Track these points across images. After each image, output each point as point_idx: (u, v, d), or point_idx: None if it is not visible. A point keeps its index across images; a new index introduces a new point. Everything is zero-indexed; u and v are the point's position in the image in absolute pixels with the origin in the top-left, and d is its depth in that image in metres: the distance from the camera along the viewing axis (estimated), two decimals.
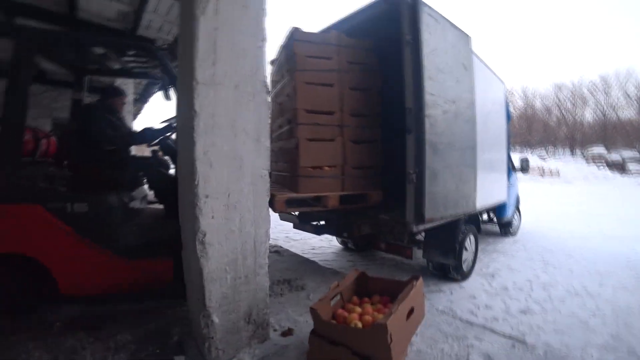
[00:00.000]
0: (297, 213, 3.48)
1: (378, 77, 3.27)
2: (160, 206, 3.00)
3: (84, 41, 2.93)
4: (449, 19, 2.99)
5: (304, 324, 2.28)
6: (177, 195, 2.16)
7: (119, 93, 3.01)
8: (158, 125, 2.83)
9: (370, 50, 3.23)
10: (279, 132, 3.44)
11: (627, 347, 2.34)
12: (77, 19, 6.42)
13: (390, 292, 1.97)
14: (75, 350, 1.96)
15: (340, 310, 1.82)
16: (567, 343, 2.34)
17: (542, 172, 18.40)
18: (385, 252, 3.64)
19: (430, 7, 2.70)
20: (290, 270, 3.48)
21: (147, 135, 2.84)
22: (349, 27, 3.16)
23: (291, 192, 2.88)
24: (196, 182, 1.62)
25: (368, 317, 1.74)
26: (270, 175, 1.97)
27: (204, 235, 1.65)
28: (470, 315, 2.79)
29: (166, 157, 2.97)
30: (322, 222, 3.78)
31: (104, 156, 2.73)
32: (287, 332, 2.14)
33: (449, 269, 3.46)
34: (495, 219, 5.77)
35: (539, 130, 30.79)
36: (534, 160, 16.47)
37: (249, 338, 1.92)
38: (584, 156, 23.32)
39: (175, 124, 2.61)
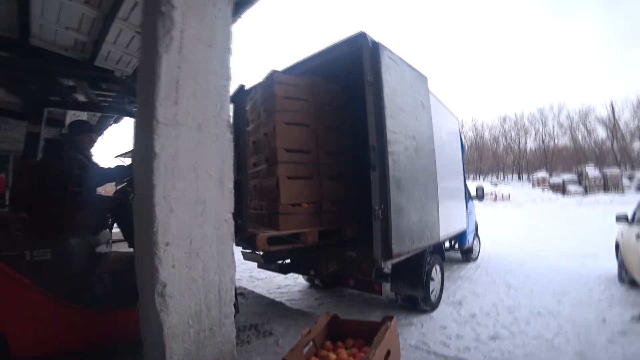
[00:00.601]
0: (261, 252, 3.37)
1: (348, 116, 3.51)
2: (129, 249, 2.76)
3: (50, 71, 2.71)
4: (407, 61, 3.18)
5: None
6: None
7: (88, 129, 2.80)
8: (116, 160, 2.65)
9: (340, 91, 3.47)
10: (254, 170, 3.44)
11: None
12: (29, 46, 6.11)
13: (364, 335, 1.90)
14: None
15: (313, 358, 1.72)
16: None
17: (494, 197, 19.58)
18: (354, 288, 3.59)
19: (390, 50, 2.86)
20: (256, 313, 3.30)
21: (116, 173, 2.65)
22: (314, 66, 3.25)
23: (271, 230, 2.87)
24: (155, 229, 1.49)
25: None
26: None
27: (164, 286, 1.51)
28: (443, 348, 2.79)
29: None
30: (287, 261, 3.68)
31: (68, 196, 2.44)
32: None
33: (418, 300, 3.47)
34: (456, 246, 5.96)
35: (489, 158, 33.32)
36: (486, 186, 17.55)
37: None
38: (530, 180, 25.30)
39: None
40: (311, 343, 1.76)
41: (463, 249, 6.05)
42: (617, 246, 4.92)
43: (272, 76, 3.06)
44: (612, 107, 29.68)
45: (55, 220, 2.23)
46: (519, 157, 33.45)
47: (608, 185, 21.13)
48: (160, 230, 1.51)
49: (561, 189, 21.68)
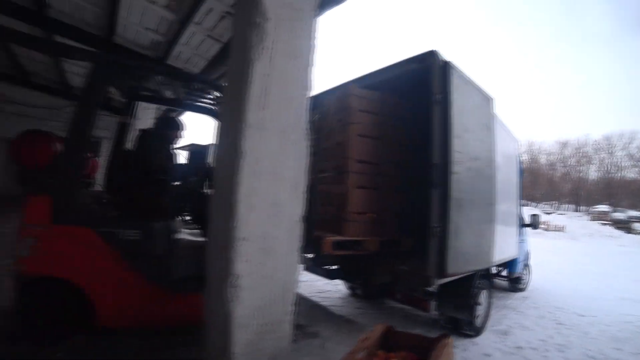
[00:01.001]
0: (312, 255, 3.47)
1: (412, 132, 3.58)
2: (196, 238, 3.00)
3: (159, 73, 3.01)
4: (474, 81, 3.14)
5: None
6: None
7: (177, 126, 3.04)
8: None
9: (406, 107, 3.55)
10: (321, 176, 3.59)
11: None
12: (113, 43, 6.84)
13: (417, 349, 1.91)
14: None
15: None
16: None
17: (546, 227, 18.28)
18: (401, 303, 3.56)
19: (459, 70, 2.85)
20: (301, 315, 3.37)
21: (196, 168, 2.93)
22: (382, 80, 3.32)
23: (336, 235, 3.00)
24: (234, 224, 1.63)
25: None
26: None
27: (237, 278, 1.64)
28: None
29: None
30: (334, 267, 3.74)
31: (155, 184, 2.71)
32: None
33: (462, 323, 3.38)
34: (504, 273, 5.68)
35: (544, 184, 31.02)
36: (539, 214, 16.47)
37: None
38: (588, 213, 23.28)
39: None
40: (365, 351, 1.79)
41: (511, 277, 5.75)
42: None
43: (349, 89, 3.18)
44: None
45: (143, 204, 2.48)
46: (577, 187, 30.87)
47: None
48: (239, 226, 1.64)
49: (625, 226, 19.68)
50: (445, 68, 2.73)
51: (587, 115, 50.45)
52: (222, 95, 2.77)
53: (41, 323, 2.20)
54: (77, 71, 9.32)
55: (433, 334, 1.94)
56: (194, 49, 7.27)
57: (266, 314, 1.78)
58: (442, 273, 2.66)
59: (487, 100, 3.37)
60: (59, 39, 6.69)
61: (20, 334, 2.21)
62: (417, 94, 3.17)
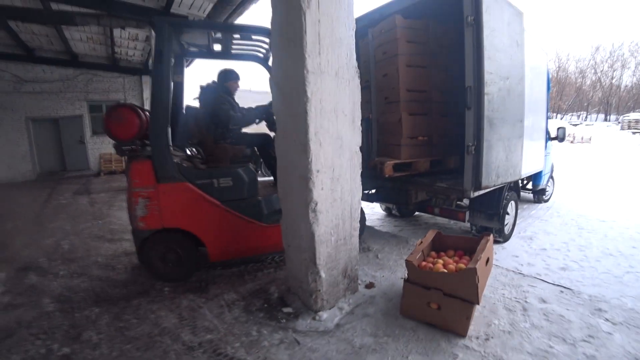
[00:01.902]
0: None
1: (452, 57, 3.68)
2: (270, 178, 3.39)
3: (218, 29, 3.11)
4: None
5: (381, 279, 2.67)
6: None
7: (236, 77, 3.23)
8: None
9: (449, 32, 3.65)
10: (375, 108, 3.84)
11: None
12: (111, 0, 6.70)
13: (463, 247, 2.30)
14: (193, 309, 2.32)
15: (424, 263, 2.16)
16: (604, 293, 2.64)
17: (572, 139, 17.95)
18: (440, 216, 3.93)
19: None
20: None
21: (258, 113, 3.17)
22: (407, 5, 3.30)
23: (394, 159, 3.37)
24: (310, 159, 1.92)
25: (451, 266, 2.09)
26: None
27: (316, 204, 1.98)
28: (518, 271, 3.11)
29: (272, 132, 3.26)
30: (373, 191, 4.12)
31: (229, 134, 3.01)
32: (370, 285, 2.53)
33: (492, 232, 3.73)
34: (529, 186, 5.95)
35: (571, 94, 29.22)
36: (565, 126, 16.05)
37: (345, 290, 2.29)
38: (619, 122, 22.26)
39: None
40: (421, 253, 2.19)
41: (536, 189, 6.02)
42: None
43: (395, 21, 3.27)
44: None
45: (222, 154, 2.81)
46: (608, 94, 28.70)
47: None
48: (313, 160, 1.93)
49: None
50: None
51: (624, 19, 45.40)
52: (270, 43, 2.90)
53: (166, 268, 2.67)
54: (79, 37, 9.22)
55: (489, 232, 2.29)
56: None
57: (339, 230, 2.16)
58: (478, 186, 2.96)
59: (517, 15, 3.32)
60: (54, 6, 6.59)
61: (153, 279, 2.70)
62: (454, 17, 3.18)
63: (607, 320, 2.14)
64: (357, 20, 2.43)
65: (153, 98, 2.51)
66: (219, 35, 3.00)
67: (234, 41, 3.08)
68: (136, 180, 2.49)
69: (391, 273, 2.80)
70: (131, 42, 9.94)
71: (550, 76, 6.86)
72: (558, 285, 2.63)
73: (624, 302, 2.51)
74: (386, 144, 3.59)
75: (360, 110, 2.18)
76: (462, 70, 2.90)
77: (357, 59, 2.17)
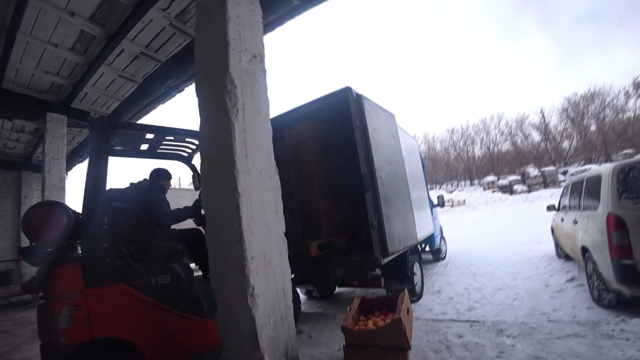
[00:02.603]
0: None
1: (346, 149, 4.50)
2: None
3: (155, 132, 3.15)
4: (380, 105, 4.10)
5: (320, 356, 2.80)
6: None
7: (169, 176, 3.34)
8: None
9: (341, 133, 4.53)
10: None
11: (539, 312, 3.49)
12: (0, 90, 6.33)
13: (385, 306, 2.66)
14: None
15: (356, 327, 2.42)
16: (503, 318, 3.35)
17: (452, 204, 21.33)
18: (359, 287, 4.31)
19: (369, 99, 3.75)
20: None
21: (191, 210, 3.24)
22: (308, 111, 4.06)
23: (316, 240, 3.73)
24: (244, 248, 2.13)
25: (381, 323, 2.39)
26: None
27: (253, 288, 2.14)
28: (435, 319, 3.60)
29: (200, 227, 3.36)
30: (292, 275, 4.37)
31: (162, 231, 2.98)
32: None
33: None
34: (427, 248, 6.95)
35: (442, 168, 35.91)
36: (443, 194, 19.20)
37: None
38: (481, 185, 27.69)
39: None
40: (352, 319, 2.46)
41: (433, 249, 7.05)
42: (552, 230, 6.18)
43: (304, 127, 4.04)
44: (543, 114, 34.10)
45: (157, 251, 2.76)
46: (469, 165, 36.57)
47: (547, 181, 23.64)
48: (247, 248, 2.15)
49: (509, 189, 24.02)
50: (359, 99, 3.60)
51: (466, 103, 60.76)
52: (198, 145, 3.20)
53: None
54: None
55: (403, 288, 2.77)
56: (102, 90, 7.15)
57: (276, 311, 2.31)
58: (385, 253, 3.49)
59: (391, 116, 4.38)
60: None
61: None
62: (341, 119, 4.01)
63: (508, 336, 2.76)
64: (273, 120, 2.97)
65: (87, 197, 2.46)
66: (149, 136, 3.15)
67: (163, 142, 3.29)
68: (61, 286, 2.22)
69: (327, 348, 2.94)
70: (14, 133, 9.11)
71: (423, 155, 8.54)
72: (467, 321, 3.18)
73: (517, 320, 3.21)
74: (308, 227, 4.00)
75: (282, 201, 2.54)
76: (353, 161, 3.64)
77: (277, 157, 2.61)
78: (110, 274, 2.39)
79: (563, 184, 22.28)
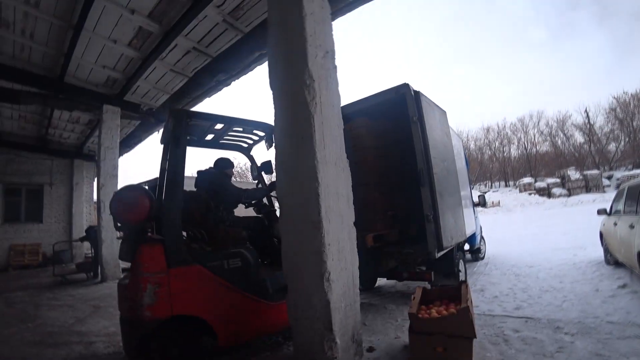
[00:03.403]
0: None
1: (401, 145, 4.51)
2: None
3: (226, 123, 3.28)
4: (434, 102, 4.12)
5: (378, 342, 2.90)
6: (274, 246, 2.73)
7: (232, 165, 3.51)
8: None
9: (397, 129, 4.43)
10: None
11: (592, 315, 3.39)
12: (63, 83, 6.78)
13: (446, 297, 2.73)
14: None
15: (420, 314, 2.50)
16: (556, 317, 3.31)
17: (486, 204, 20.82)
18: (408, 279, 4.36)
19: (425, 96, 3.78)
20: None
21: (264, 192, 3.42)
22: (366, 107, 4.13)
23: (371, 232, 3.79)
24: (322, 234, 2.25)
25: (444, 312, 2.45)
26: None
27: (329, 274, 2.26)
28: (487, 314, 3.61)
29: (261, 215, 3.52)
30: None
31: (227, 217, 3.13)
32: (371, 349, 2.73)
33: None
34: (467, 247, 6.86)
35: (476, 167, 34.82)
36: (476, 194, 18.73)
37: (354, 355, 2.46)
38: (517, 186, 26.68)
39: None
40: (416, 306, 2.54)
41: (473, 249, 6.96)
42: (601, 235, 5.94)
43: (362, 122, 4.14)
44: (587, 114, 32.19)
45: (224, 236, 2.92)
46: (504, 165, 35.28)
47: (589, 186, 22.32)
48: (325, 235, 2.27)
49: (547, 192, 22.95)
50: (417, 96, 3.64)
51: (503, 101, 58.67)
52: (271, 138, 3.37)
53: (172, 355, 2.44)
54: (10, 114, 8.81)
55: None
56: (152, 84, 7.50)
57: (347, 297, 2.42)
58: (439, 248, 3.53)
59: (443, 114, 4.40)
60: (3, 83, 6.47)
61: None
62: (397, 115, 4.06)
63: (566, 333, 2.78)
64: None
65: (168, 182, 2.62)
66: (218, 126, 3.29)
67: (229, 133, 3.46)
68: (146, 265, 2.39)
69: (384, 335, 3.03)
70: (69, 124, 9.71)
71: (467, 157, 8.43)
72: (522, 317, 3.17)
73: (572, 319, 3.19)
74: (363, 220, 4.06)
75: (352, 192, 2.65)
76: (408, 156, 3.64)
77: None
78: (187, 256, 2.55)
79: (608, 189, 21.19)
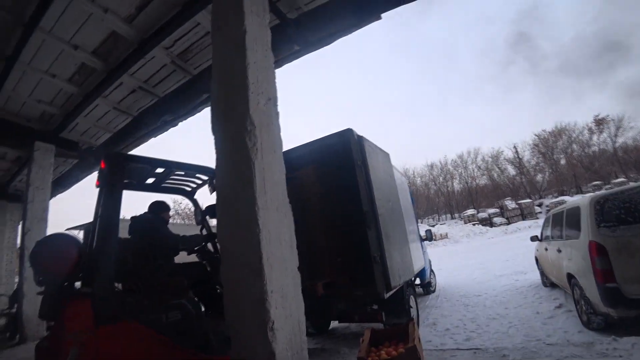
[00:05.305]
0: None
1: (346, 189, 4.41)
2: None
3: (168, 167, 3.15)
4: (377, 145, 4.35)
5: None
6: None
7: (168, 208, 3.35)
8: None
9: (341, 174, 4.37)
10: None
11: (535, 338, 3.64)
12: None
13: (395, 337, 2.72)
14: None
15: (370, 357, 2.45)
16: (501, 347, 3.39)
17: (435, 237, 21.71)
18: (359, 321, 4.31)
19: (368, 140, 3.99)
20: None
21: (201, 239, 3.24)
22: (309, 151, 4.22)
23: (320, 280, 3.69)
24: (265, 282, 2.19)
25: (393, 353, 2.43)
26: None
27: (273, 322, 2.18)
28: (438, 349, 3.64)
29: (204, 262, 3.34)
30: None
31: (166, 265, 2.92)
32: None
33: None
34: (417, 281, 7.04)
35: (423, 202, 36.70)
36: (425, 227, 19.58)
37: None
38: (461, 218, 28.35)
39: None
40: (365, 350, 2.50)
41: (424, 283, 7.15)
42: (536, 260, 6.51)
43: (311, 170, 4.14)
44: (516, 149, 36.14)
45: (163, 286, 2.70)
46: (449, 199, 37.74)
47: (524, 213, 24.59)
48: (267, 282, 2.21)
49: (489, 222, 24.77)
50: (360, 140, 3.83)
51: (443, 139, 63.74)
52: (205, 181, 3.27)
53: None
54: None
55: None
56: (93, 121, 7.13)
57: (293, 346, 2.34)
58: (388, 287, 3.58)
59: (386, 155, 4.65)
60: None
61: None
62: (341, 159, 4.18)
63: None
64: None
65: (100, 229, 2.43)
66: (159, 170, 3.16)
67: (171, 176, 3.34)
68: (70, 323, 2.11)
69: None
70: None
71: (413, 193, 8.86)
72: (471, 348, 3.27)
73: (517, 345, 3.35)
74: (312, 267, 3.95)
75: (295, 237, 2.64)
76: (353, 199, 3.72)
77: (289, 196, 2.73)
78: (120, 311, 2.32)
79: (540, 215, 23.31)
